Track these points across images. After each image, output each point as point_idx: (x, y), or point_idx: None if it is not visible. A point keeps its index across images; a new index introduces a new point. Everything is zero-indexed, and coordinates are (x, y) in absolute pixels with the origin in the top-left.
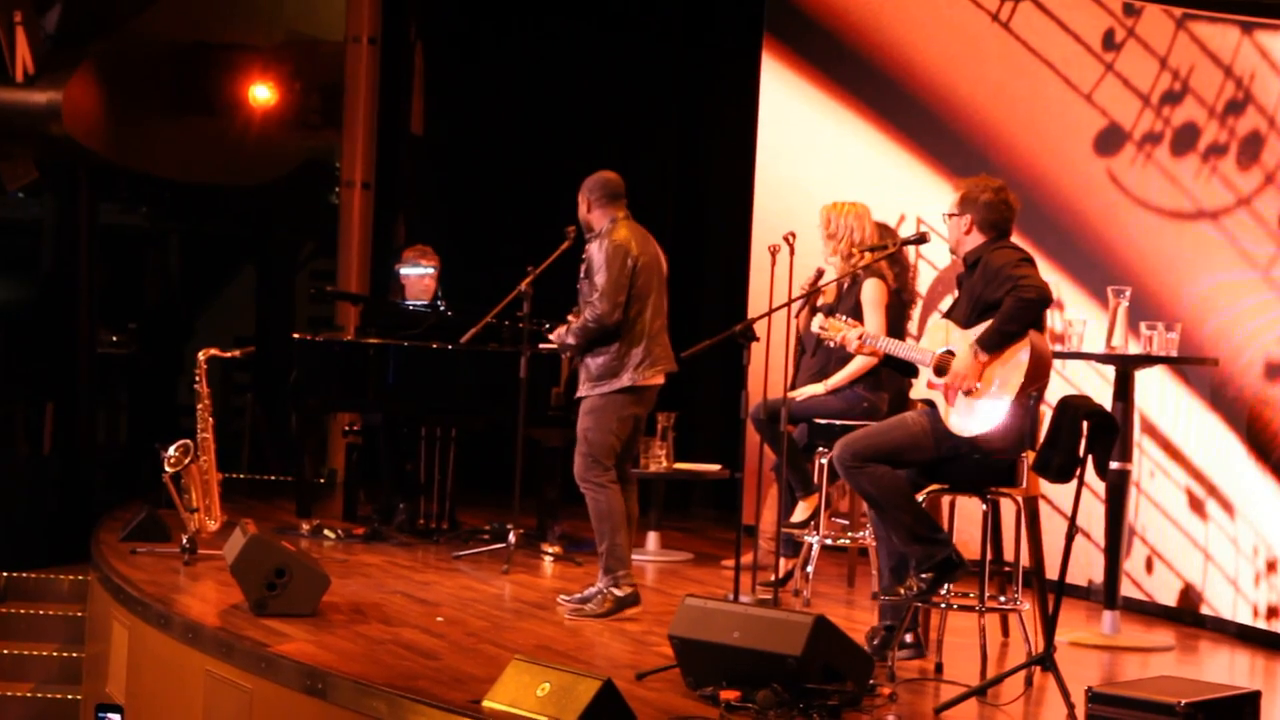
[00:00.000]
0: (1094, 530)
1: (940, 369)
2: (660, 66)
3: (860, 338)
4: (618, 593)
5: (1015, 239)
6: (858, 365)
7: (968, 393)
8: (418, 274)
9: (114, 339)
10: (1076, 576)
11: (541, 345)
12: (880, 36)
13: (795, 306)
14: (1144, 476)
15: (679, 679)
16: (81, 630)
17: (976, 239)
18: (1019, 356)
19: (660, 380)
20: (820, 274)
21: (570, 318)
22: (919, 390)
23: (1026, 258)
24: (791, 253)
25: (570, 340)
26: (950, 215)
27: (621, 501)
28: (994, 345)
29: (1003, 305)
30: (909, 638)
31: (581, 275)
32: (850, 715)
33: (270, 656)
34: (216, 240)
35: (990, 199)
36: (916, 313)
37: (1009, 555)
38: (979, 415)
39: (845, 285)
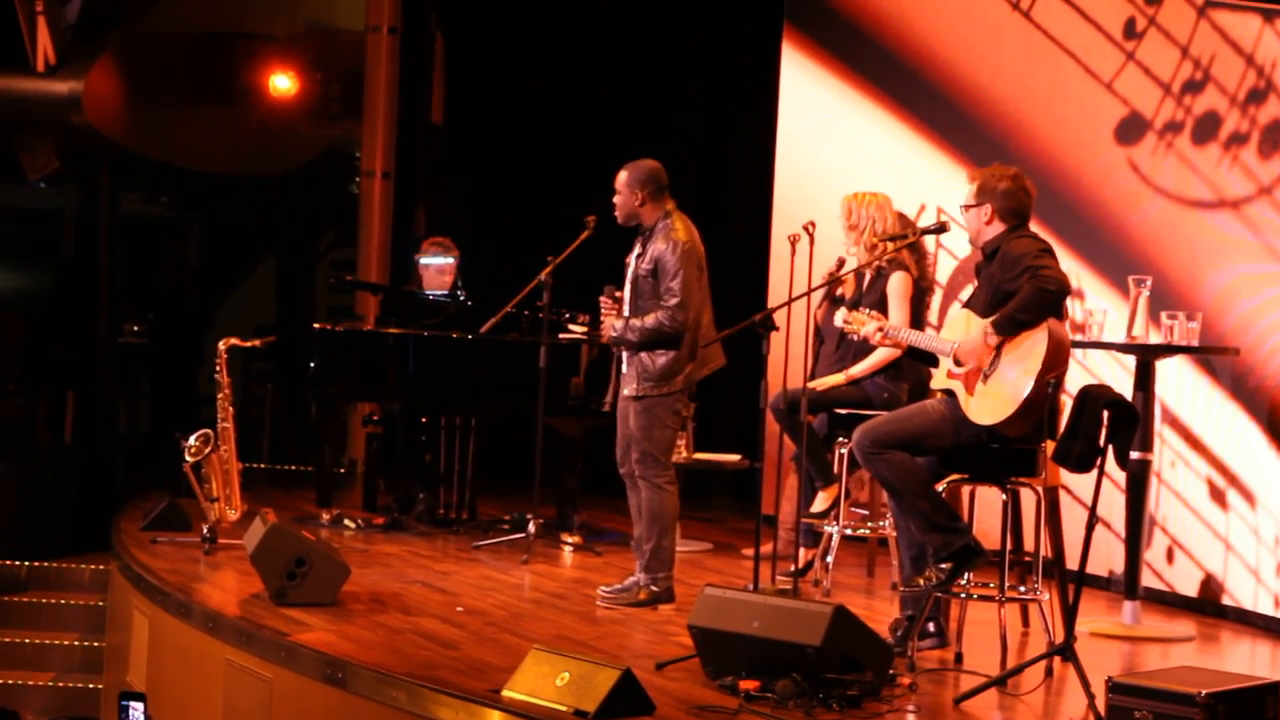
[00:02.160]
0: (1114, 520)
1: (960, 359)
2: (681, 55)
3: (881, 330)
4: (655, 589)
5: (1036, 228)
6: (878, 356)
7: (984, 378)
8: (436, 264)
9: (135, 328)
10: (1097, 567)
11: (561, 335)
12: (901, 25)
13: (816, 297)
14: (1165, 466)
15: (698, 669)
16: (102, 619)
17: (997, 228)
18: (1037, 344)
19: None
20: (841, 263)
21: (603, 300)
22: (939, 380)
23: (1046, 248)
24: (811, 242)
25: (631, 338)
26: (968, 207)
27: (677, 504)
28: (1007, 330)
29: (1020, 292)
30: (931, 627)
31: (643, 272)
32: (870, 705)
33: (290, 646)
34: (237, 230)
35: (1008, 187)
36: (936, 302)
37: (1029, 545)
38: (998, 402)
39: (868, 277)
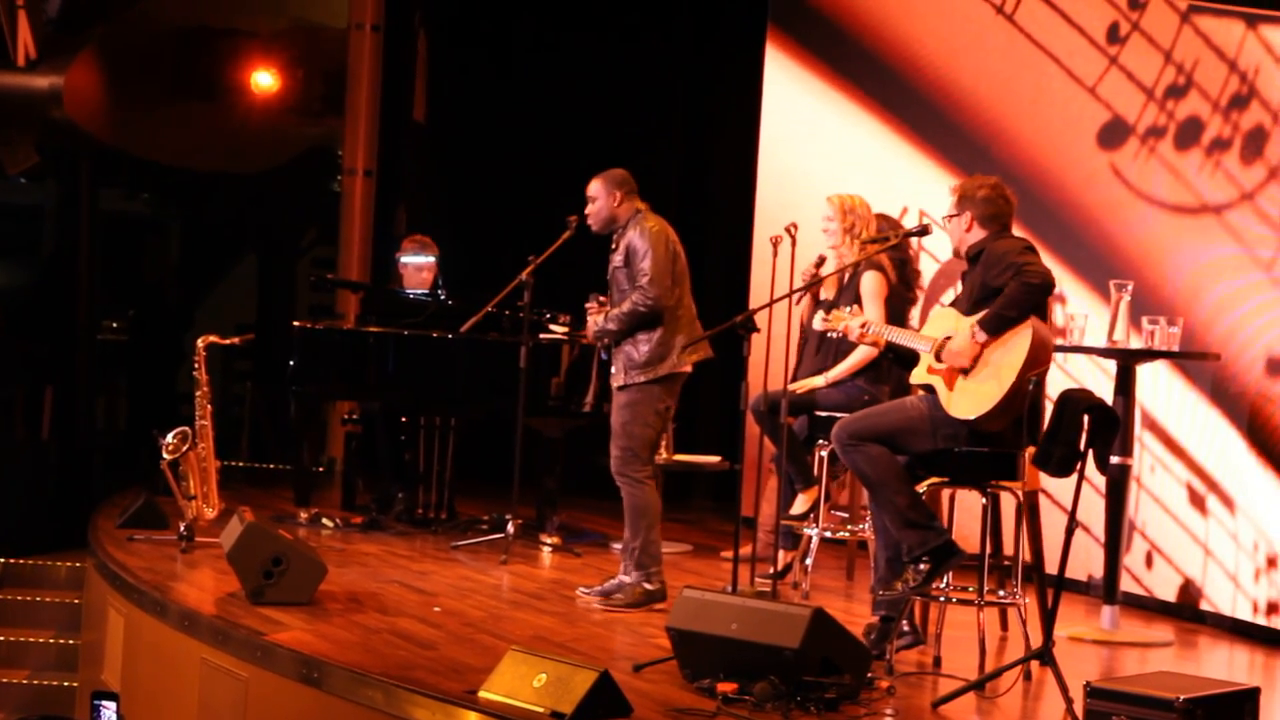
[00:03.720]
0: (1094, 525)
1: (946, 359)
2: (664, 56)
3: (863, 326)
4: (649, 586)
5: (1016, 231)
6: (858, 357)
7: (964, 373)
8: (417, 263)
9: (114, 325)
10: (1076, 571)
11: (542, 335)
12: (884, 28)
13: (797, 295)
14: (1144, 471)
15: (676, 671)
16: (78, 617)
17: (978, 234)
18: (1020, 340)
19: (689, 368)
20: (822, 260)
21: (589, 306)
22: (918, 375)
23: (1030, 246)
24: (793, 244)
25: (611, 327)
26: (950, 217)
27: (658, 498)
28: (994, 329)
29: (1006, 289)
30: (904, 625)
31: (617, 264)
32: (848, 708)
33: (266, 645)
34: (217, 227)
35: (987, 194)
36: (918, 306)
37: (1009, 549)
38: (978, 397)
39: (846, 277)
